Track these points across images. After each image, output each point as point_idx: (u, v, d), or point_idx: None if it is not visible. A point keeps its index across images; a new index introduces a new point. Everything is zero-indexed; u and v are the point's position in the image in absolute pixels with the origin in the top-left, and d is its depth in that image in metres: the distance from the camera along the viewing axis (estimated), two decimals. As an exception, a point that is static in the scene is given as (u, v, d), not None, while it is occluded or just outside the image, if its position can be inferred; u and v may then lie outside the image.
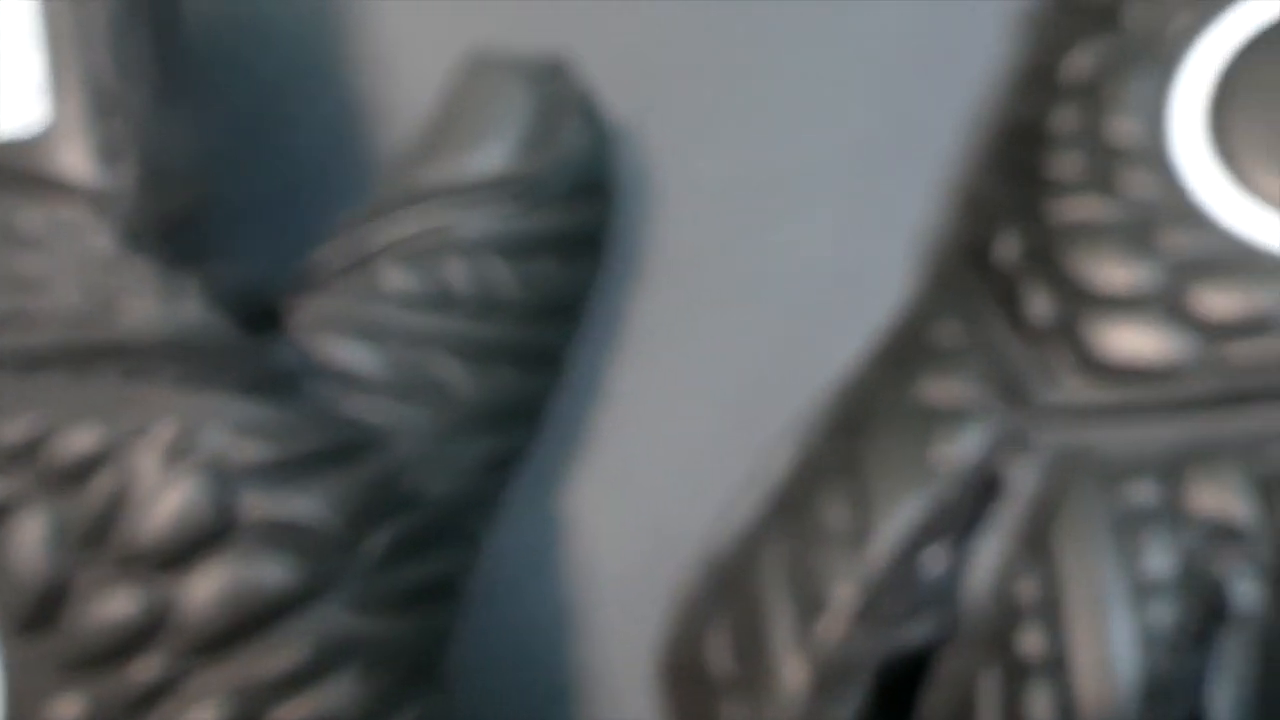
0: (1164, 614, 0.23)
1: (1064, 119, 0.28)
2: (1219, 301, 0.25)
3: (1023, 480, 0.25)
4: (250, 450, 0.23)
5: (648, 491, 0.30)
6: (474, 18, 0.33)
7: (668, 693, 0.28)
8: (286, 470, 0.23)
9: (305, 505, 0.23)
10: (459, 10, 0.34)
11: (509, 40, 0.31)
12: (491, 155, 0.28)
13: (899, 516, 0.26)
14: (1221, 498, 0.24)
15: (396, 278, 0.26)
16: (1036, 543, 0.25)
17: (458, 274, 0.26)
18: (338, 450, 0.23)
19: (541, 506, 0.30)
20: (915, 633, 0.26)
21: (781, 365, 0.30)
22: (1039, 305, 0.27)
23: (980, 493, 0.26)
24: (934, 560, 0.26)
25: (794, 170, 0.32)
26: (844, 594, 0.25)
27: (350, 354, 0.25)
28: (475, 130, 0.28)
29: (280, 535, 0.22)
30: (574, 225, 0.29)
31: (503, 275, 0.27)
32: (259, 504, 0.22)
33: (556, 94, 0.29)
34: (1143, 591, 0.24)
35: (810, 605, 0.25)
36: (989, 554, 0.25)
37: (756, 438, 0.29)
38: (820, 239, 0.31)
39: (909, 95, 0.32)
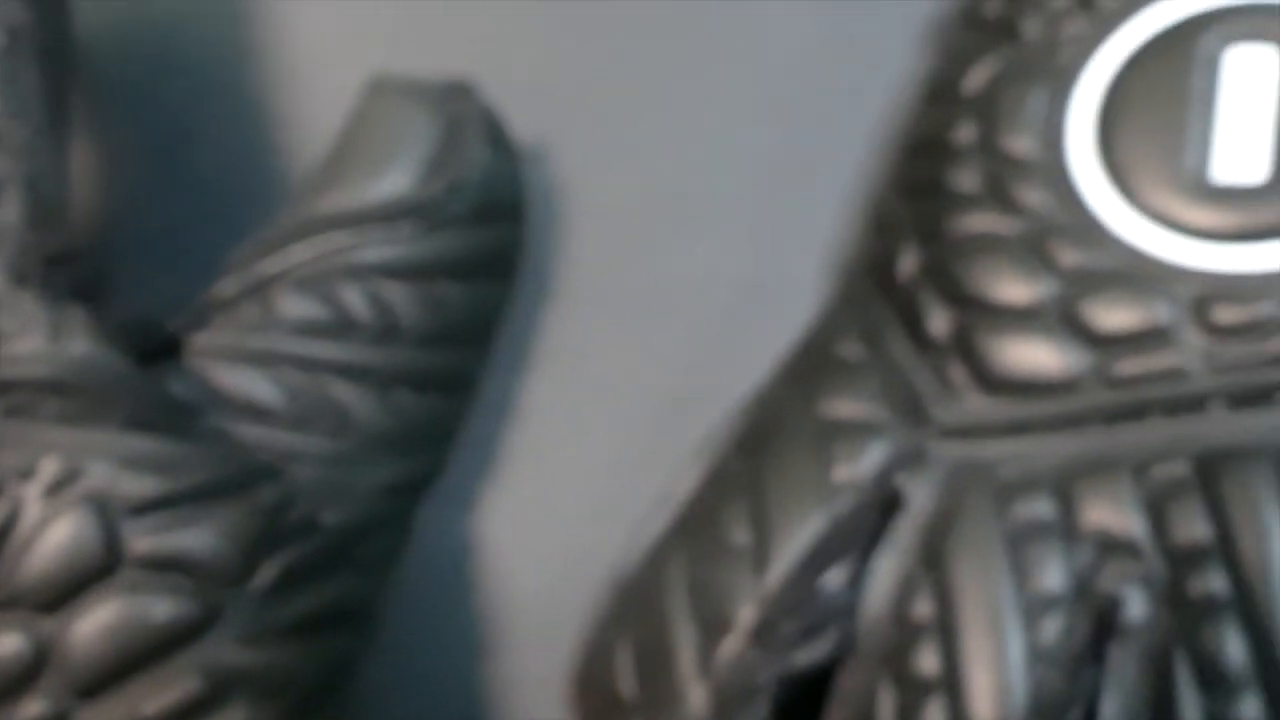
0: (1056, 630, 0.23)
1: (964, 133, 0.28)
2: (1111, 315, 0.25)
3: (920, 497, 0.25)
4: (136, 485, 0.22)
5: (560, 512, 0.30)
6: (383, 40, 0.33)
7: (578, 714, 0.28)
8: (174, 504, 0.23)
9: (193, 539, 0.23)
10: (369, 33, 0.34)
11: (418, 62, 0.31)
12: (390, 180, 0.28)
13: (799, 537, 0.26)
14: (1113, 512, 0.24)
15: (293, 305, 0.26)
16: (932, 560, 0.25)
17: (356, 300, 0.26)
18: (228, 482, 0.23)
19: (454, 528, 0.30)
20: (816, 651, 0.26)
21: (692, 383, 0.31)
22: (937, 321, 0.27)
23: (880, 510, 0.26)
24: (835, 579, 0.26)
25: (701, 187, 0.32)
26: (744, 615, 0.25)
27: (246, 383, 0.25)
28: (374, 155, 0.28)
29: (167, 569, 0.22)
30: (478, 248, 0.29)
31: (403, 300, 0.27)
32: (145, 539, 0.22)
33: (458, 117, 0.29)
34: (1035, 607, 0.24)
35: (712, 626, 0.25)
36: (887, 572, 0.25)
37: (668, 456, 0.29)
38: (728, 255, 0.31)
39: (815, 111, 0.32)
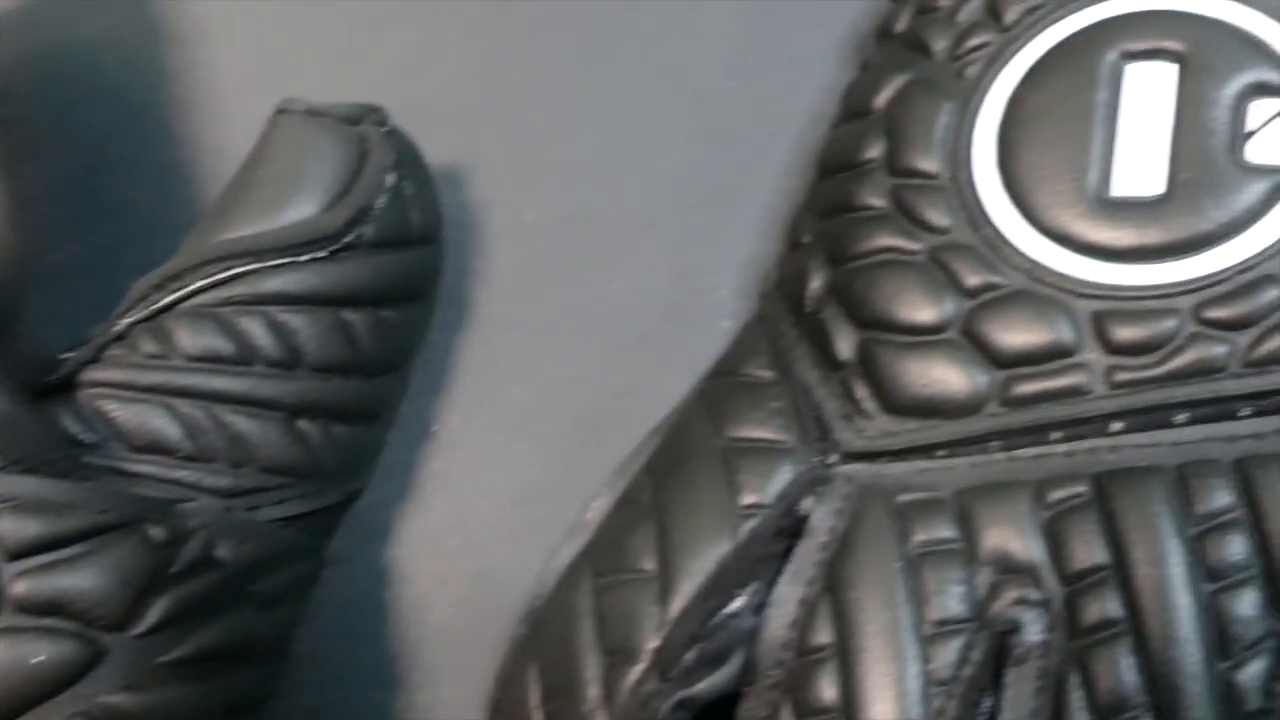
0: (954, 656, 0.23)
1: (873, 150, 0.28)
2: (1012, 334, 0.25)
3: (823, 521, 0.25)
4: (18, 528, 0.22)
5: (477, 539, 0.30)
6: (300, 66, 0.33)
7: (493, 742, 0.27)
8: (57, 546, 0.22)
9: (75, 580, 0.22)
10: (286, 60, 0.33)
11: (335, 87, 0.30)
12: (293, 208, 0.27)
13: (702, 564, 0.25)
14: (1012, 535, 0.24)
15: (191, 337, 0.26)
16: (833, 585, 0.24)
17: (256, 331, 0.26)
18: (115, 521, 0.23)
19: (369, 558, 0.30)
20: (720, 679, 0.25)
21: (611, 406, 0.30)
22: (844, 341, 0.27)
23: (785, 535, 0.26)
24: (739, 606, 0.25)
25: (620, 208, 0.32)
26: (648, 645, 0.25)
27: (141, 418, 0.25)
28: (277, 183, 0.27)
29: (47, 612, 0.22)
30: (389, 274, 0.28)
31: (306, 330, 0.27)
32: (24, 582, 0.22)
33: (366, 142, 0.28)
34: (934, 634, 0.23)
35: (617, 656, 0.25)
36: (788, 598, 0.25)
37: (586, 481, 0.29)
38: (648, 276, 0.31)
39: (736, 129, 0.32)
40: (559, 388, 0.31)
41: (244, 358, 0.26)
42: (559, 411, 0.30)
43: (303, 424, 0.27)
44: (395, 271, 0.29)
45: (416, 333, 0.30)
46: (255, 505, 0.26)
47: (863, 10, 0.31)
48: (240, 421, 0.26)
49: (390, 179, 0.29)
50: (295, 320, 0.27)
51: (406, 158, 0.30)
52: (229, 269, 0.26)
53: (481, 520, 0.30)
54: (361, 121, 0.29)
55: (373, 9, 0.34)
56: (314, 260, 0.27)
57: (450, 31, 0.33)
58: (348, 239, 0.27)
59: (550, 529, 0.28)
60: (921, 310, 0.26)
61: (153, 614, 0.23)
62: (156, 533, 0.23)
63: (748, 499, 0.26)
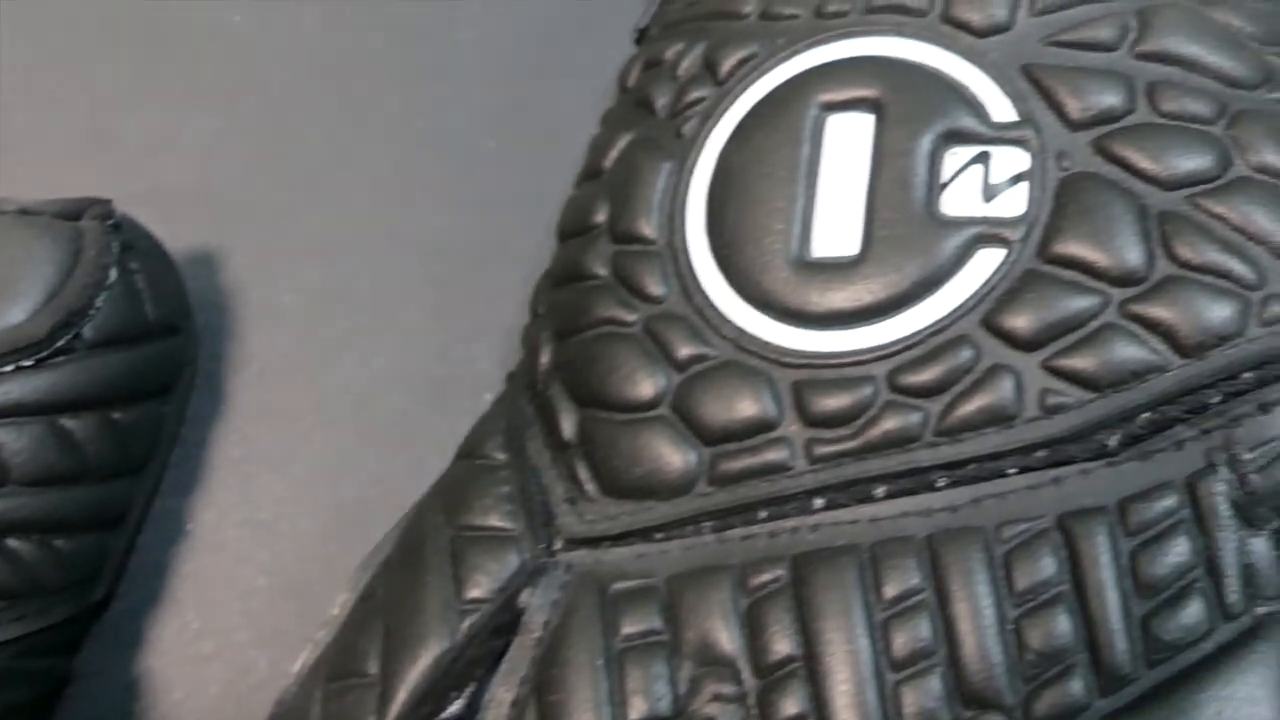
0: (655, 758, 0.22)
1: (599, 214, 0.27)
2: (719, 409, 0.24)
3: (537, 615, 0.24)
4: None
5: (232, 641, 0.29)
6: (46, 151, 0.32)
7: None
8: None
9: None
10: (30, 145, 0.32)
11: (78, 177, 0.30)
12: (5, 314, 0.26)
13: (419, 667, 0.24)
14: (714, 625, 0.23)
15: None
16: (540, 685, 0.23)
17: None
18: None
19: (123, 666, 0.29)
20: (438, 787, 0.24)
21: (368, 492, 0.29)
22: (567, 420, 0.26)
23: (505, 630, 0.25)
24: (455, 709, 0.24)
25: (378, 284, 0.31)
26: (366, 751, 0.24)
27: None
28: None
29: None
30: (117, 375, 0.27)
31: (14, 443, 0.26)
32: None
33: (83, 240, 0.27)
34: (635, 734, 0.22)
35: (340, 762, 0.24)
36: (501, 700, 0.24)
37: (343, 573, 0.28)
38: (409, 352, 0.30)
39: (495, 194, 0.31)
40: (316, 476, 0.30)
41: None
42: (315, 501, 0.29)
43: (13, 542, 0.26)
44: (125, 370, 0.28)
45: (162, 429, 0.29)
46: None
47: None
48: (-59, 545, 0.25)
49: (113, 274, 0.27)
50: (2, 434, 0.26)
51: (140, 248, 0.29)
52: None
53: (235, 622, 0.29)
54: (83, 216, 0.28)
55: (117, 91, 0.32)
56: (19, 370, 0.26)
57: (198, 109, 0.32)
58: (59, 343, 0.26)
59: (306, 626, 0.27)
60: (635, 386, 0.25)
61: None
62: None
63: (471, 593, 0.25)
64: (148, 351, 0.28)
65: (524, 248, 0.30)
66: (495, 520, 0.26)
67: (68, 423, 0.27)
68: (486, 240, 0.31)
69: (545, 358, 0.26)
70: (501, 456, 0.26)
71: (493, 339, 0.30)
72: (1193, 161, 0.22)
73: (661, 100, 0.27)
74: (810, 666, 0.21)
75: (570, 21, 0.32)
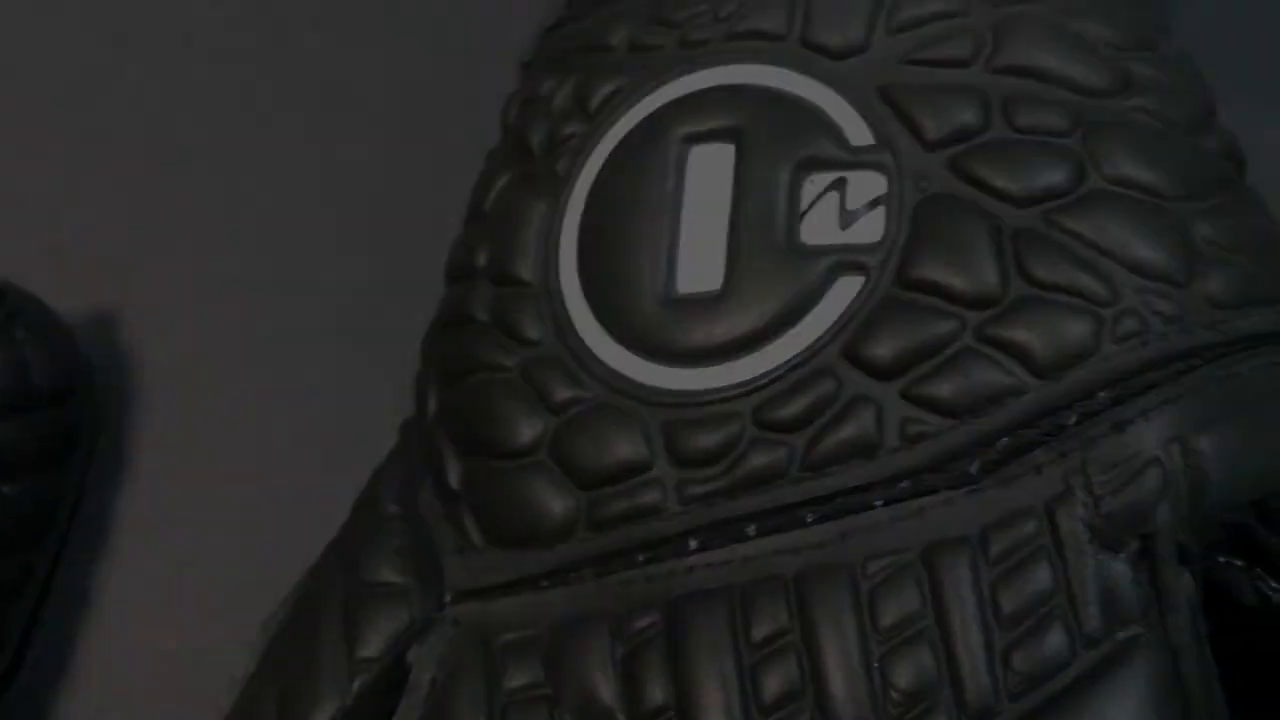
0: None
1: (481, 256, 0.27)
2: (594, 453, 0.24)
3: (423, 674, 0.24)
4: None
5: (138, 713, 0.28)
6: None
7: None
8: None
9: None
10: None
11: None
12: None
13: (310, 728, 0.24)
14: (592, 676, 0.22)
15: None
16: (427, 746, 0.23)
17: None
18: None
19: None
20: None
21: (279, 550, 0.29)
22: (453, 469, 0.25)
23: (396, 689, 0.24)
24: (348, 772, 0.24)
25: (282, 335, 0.30)
26: (258, 821, 0.24)
27: None
28: None
29: None
30: (5, 445, 0.27)
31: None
32: None
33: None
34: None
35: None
36: (388, 763, 0.23)
37: (250, 636, 0.28)
38: (314, 404, 0.30)
39: (399, 238, 0.31)
40: (221, 537, 0.29)
41: None
42: (222, 562, 0.29)
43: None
44: (13, 441, 0.27)
45: (61, 498, 0.29)
46: None
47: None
48: None
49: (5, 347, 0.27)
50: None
51: (25, 316, 0.28)
52: None
53: (140, 692, 0.28)
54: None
55: (4, 154, 0.32)
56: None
57: (93, 170, 0.32)
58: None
59: (213, 693, 0.27)
60: (514, 432, 0.24)
61: None
62: None
63: (361, 652, 0.24)
64: (34, 421, 0.28)
65: (430, 294, 0.30)
66: (387, 575, 0.25)
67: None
68: (390, 290, 0.30)
69: (432, 405, 0.26)
70: (394, 509, 0.26)
71: (398, 388, 0.30)
72: (1047, 176, 0.22)
73: (537, 137, 0.27)
74: (682, 714, 0.21)
75: (458, 65, 0.31)
